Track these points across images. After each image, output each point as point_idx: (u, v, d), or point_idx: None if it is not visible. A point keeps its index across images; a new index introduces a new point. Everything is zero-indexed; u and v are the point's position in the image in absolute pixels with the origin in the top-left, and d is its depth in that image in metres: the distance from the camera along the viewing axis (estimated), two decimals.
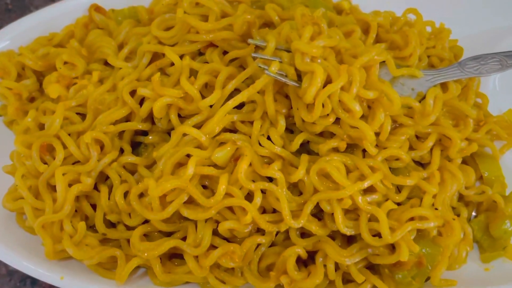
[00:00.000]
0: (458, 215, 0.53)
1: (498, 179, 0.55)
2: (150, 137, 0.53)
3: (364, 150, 0.50)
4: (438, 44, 0.59)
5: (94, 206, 0.51)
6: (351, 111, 0.46)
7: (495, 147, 0.55)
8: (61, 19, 0.63)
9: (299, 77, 0.47)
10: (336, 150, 0.49)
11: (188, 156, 0.47)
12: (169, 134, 0.52)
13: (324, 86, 0.46)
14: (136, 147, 0.54)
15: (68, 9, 0.63)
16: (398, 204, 0.50)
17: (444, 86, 0.55)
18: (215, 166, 0.48)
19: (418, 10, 0.61)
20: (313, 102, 0.46)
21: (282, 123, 0.49)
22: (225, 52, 0.54)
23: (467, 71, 0.55)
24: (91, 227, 0.50)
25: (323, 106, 0.46)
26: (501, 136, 0.56)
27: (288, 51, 0.48)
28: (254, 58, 0.50)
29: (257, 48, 0.51)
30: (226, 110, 0.48)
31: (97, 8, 0.62)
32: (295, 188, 0.49)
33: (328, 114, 0.46)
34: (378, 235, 0.47)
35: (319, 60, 0.46)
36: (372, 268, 0.49)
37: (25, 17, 0.62)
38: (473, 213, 0.54)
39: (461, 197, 0.54)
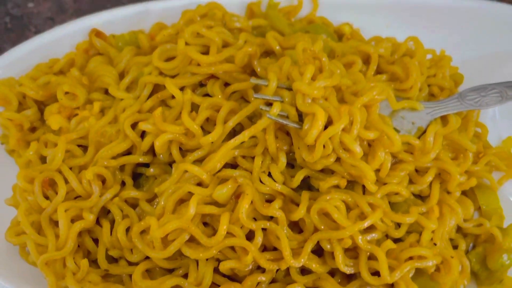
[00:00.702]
0: (457, 246, 0.54)
1: (496, 211, 0.55)
2: (152, 170, 0.53)
3: (364, 185, 0.50)
4: (438, 73, 0.59)
5: (96, 240, 0.51)
6: (351, 151, 0.46)
7: (493, 180, 0.56)
8: (61, 44, 0.63)
9: (300, 116, 0.48)
10: (336, 186, 0.50)
11: (190, 192, 0.48)
12: (170, 165, 0.53)
13: (325, 127, 0.46)
14: (137, 177, 0.54)
15: (68, 33, 0.63)
16: (398, 239, 0.51)
17: (444, 118, 0.55)
18: (216, 203, 0.48)
19: (418, 37, 0.61)
20: (314, 143, 0.46)
21: (283, 160, 0.49)
22: (226, 84, 0.55)
23: (467, 103, 0.55)
24: (93, 262, 0.51)
25: (324, 147, 0.46)
26: (500, 167, 0.56)
27: (289, 89, 0.49)
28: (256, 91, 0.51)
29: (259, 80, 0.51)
30: (228, 149, 0.48)
31: (97, 33, 0.62)
32: (295, 226, 0.49)
33: (329, 154, 0.47)
34: (377, 273, 0.47)
35: (320, 101, 0.47)
36: None
37: (25, 42, 0.62)
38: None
39: (459, 228, 0.55)
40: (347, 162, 0.47)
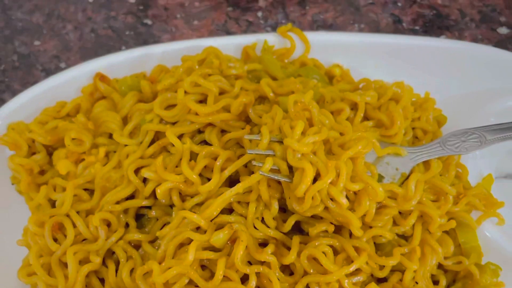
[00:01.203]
0: (438, 282, 0.58)
1: (475, 249, 0.59)
2: (153, 212, 0.57)
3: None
4: (422, 116, 0.63)
5: (102, 280, 0.55)
6: (338, 202, 0.50)
7: (472, 219, 0.59)
8: (67, 87, 0.66)
9: (291, 168, 0.51)
10: (325, 230, 0.53)
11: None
12: (171, 206, 0.57)
13: (314, 179, 0.50)
14: (140, 217, 0.58)
15: (73, 76, 0.66)
16: (383, 279, 0.54)
17: (426, 162, 0.59)
18: (213, 247, 0.52)
19: (404, 79, 0.65)
20: (304, 196, 0.50)
21: (275, 207, 0.53)
22: (223, 130, 0.58)
23: (448, 148, 0.59)
24: None
25: (312, 198, 0.50)
26: (479, 208, 0.60)
27: (281, 142, 0.52)
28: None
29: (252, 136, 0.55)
30: (224, 199, 0.52)
31: (101, 78, 0.65)
32: (287, 268, 0.53)
33: (317, 204, 0.51)
34: None
35: (310, 155, 0.50)
36: None
37: (33, 86, 0.65)
38: None
39: (440, 265, 0.58)
40: (334, 211, 0.51)
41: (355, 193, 0.52)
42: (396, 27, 0.82)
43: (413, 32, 0.81)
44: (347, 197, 0.51)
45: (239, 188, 0.52)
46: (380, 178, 0.56)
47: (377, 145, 0.55)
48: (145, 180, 0.57)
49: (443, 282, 0.57)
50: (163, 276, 0.49)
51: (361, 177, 0.51)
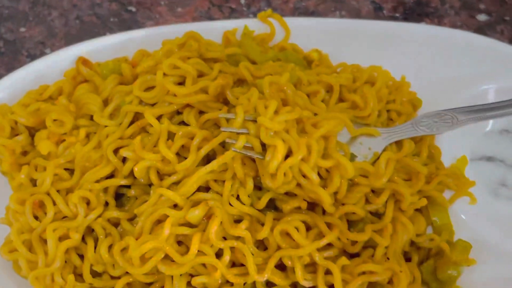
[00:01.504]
0: (410, 259, 0.59)
1: (447, 227, 0.60)
2: (133, 191, 0.58)
3: None
4: (397, 98, 0.64)
5: (81, 257, 0.56)
6: (309, 179, 0.52)
7: (444, 199, 0.61)
8: (50, 71, 0.67)
9: (264, 146, 0.53)
10: (299, 207, 0.55)
11: (165, 214, 0.53)
12: (150, 186, 0.58)
13: (286, 157, 0.51)
14: (119, 197, 0.59)
15: (56, 61, 0.67)
16: (355, 254, 0.56)
17: (399, 142, 0.60)
18: (189, 224, 0.53)
19: (381, 65, 0.66)
20: (276, 172, 0.51)
21: (250, 184, 0.54)
22: (201, 111, 0.60)
23: (420, 129, 0.60)
24: (79, 276, 0.55)
25: (284, 174, 0.51)
26: (451, 187, 0.61)
27: (255, 121, 0.54)
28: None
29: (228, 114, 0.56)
30: (200, 175, 0.53)
31: (84, 62, 0.67)
32: (261, 243, 0.54)
33: (290, 181, 0.52)
34: (333, 286, 0.52)
35: (283, 133, 0.52)
36: None
37: (17, 70, 0.67)
38: None
39: (413, 242, 0.60)
40: (306, 187, 0.52)
41: (327, 170, 0.54)
42: (377, 15, 0.83)
43: (394, 19, 0.82)
44: (319, 174, 0.53)
45: (213, 165, 0.53)
46: (353, 157, 0.57)
47: (350, 125, 0.56)
48: (124, 160, 0.58)
49: (415, 258, 0.59)
50: (139, 250, 0.50)
51: (332, 155, 0.52)
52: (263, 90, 0.56)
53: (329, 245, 0.54)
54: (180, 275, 0.52)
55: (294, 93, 0.56)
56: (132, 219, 0.57)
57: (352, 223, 0.56)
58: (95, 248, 0.55)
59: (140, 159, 0.54)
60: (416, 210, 0.60)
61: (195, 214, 0.53)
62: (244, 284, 0.54)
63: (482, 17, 0.83)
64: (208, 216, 0.53)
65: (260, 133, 0.52)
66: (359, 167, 0.54)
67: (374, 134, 0.58)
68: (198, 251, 0.51)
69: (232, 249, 0.53)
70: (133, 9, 0.82)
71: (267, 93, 0.55)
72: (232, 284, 0.53)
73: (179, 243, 0.54)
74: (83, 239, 0.56)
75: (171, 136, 0.57)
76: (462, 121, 0.61)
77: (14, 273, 0.57)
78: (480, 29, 0.82)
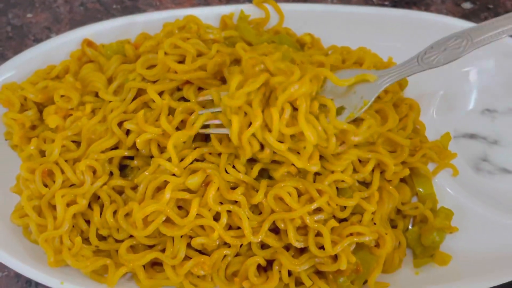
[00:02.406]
0: (396, 226, 0.63)
1: (431, 196, 0.64)
2: (135, 162, 0.61)
3: (315, 174, 0.59)
4: None
5: (88, 222, 0.59)
6: (274, 147, 0.54)
7: (428, 170, 0.64)
8: (57, 52, 0.70)
9: None
10: (290, 173, 0.58)
11: (166, 181, 0.56)
12: (151, 158, 0.61)
13: None
14: (123, 169, 0.63)
15: (63, 42, 0.71)
16: (344, 219, 0.59)
17: (384, 117, 0.63)
18: (188, 190, 0.57)
19: (369, 47, 0.70)
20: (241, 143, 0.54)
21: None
22: (200, 88, 0.63)
23: (424, 63, 0.58)
24: (86, 240, 0.59)
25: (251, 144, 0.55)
26: (434, 159, 0.65)
27: None
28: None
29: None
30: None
31: (89, 43, 0.70)
32: (256, 208, 0.58)
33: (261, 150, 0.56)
34: (323, 247, 0.56)
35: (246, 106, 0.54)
36: (319, 273, 0.58)
37: (25, 51, 0.70)
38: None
39: (399, 211, 0.63)
40: (279, 154, 0.55)
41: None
42: (366, 2, 0.86)
43: (383, 6, 0.86)
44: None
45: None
46: (340, 110, 0.58)
47: (332, 76, 0.56)
48: (128, 133, 0.61)
49: (401, 226, 0.62)
50: (142, 212, 0.54)
51: (297, 122, 0.54)
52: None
53: (319, 210, 0.57)
54: (181, 236, 0.56)
55: (273, 64, 0.57)
56: (135, 188, 0.60)
57: (341, 191, 0.60)
58: (100, 214, 0.58)
59: (142, 132, 0.58)
60: (402, 181, 0.64)
61: (194, 181, 0.56)
62: (241, 246, 0.57)
63: (467, 5, 0.86)
64: (206, 183, 0.57)
65: (226, 111, 0.55)
66: (338, 127, 0.56)
67: (370, 79, 0.58)
68: (197, 214, 0.55)
69: (228, 213, 0.56)
70: None
71: (246, 67, 0.57)
72: (229, 246, 0.57)
73: (179, 208, 0.57)
74: (89, 206, 0.59)
75: (171, 111, 0.60)
76: (477, 42, 0.58)
77: (24, 239, 0.60)
78: (465, 16, 0.85)
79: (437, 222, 0.61)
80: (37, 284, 0.63)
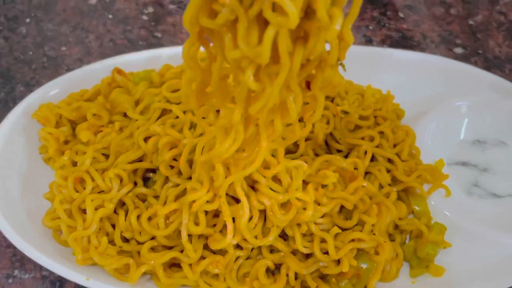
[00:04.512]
0: (394, 240, 0.67)
1: (425, 213, 0.69)
2: (157, 176, 0.67)
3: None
4: (383, 107, 0.75)
5: (113, 226, 0.65)
6: None
7: (423, 189, 0.69)
8: (89, 78, 0.77)
9: None
10: None
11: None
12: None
13: None
14: (146, 181, 0.68)
15: (95, 70, 0.78)
16: (346, 229, 0.64)
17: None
18: None
19: (371, 85, 0.78)
20: None
21: None
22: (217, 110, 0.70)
23: None
24: (110, 242, 0.64)
25: None
26: (428, 180, 0.70)
27: None
28: None
29: None
30: None
31: (118, 71, 0.77)
32: None
33: None
34: (327, 252, 0.61)
35: None
36: (323, 278, 0.62)
37: (60, 77, 0.77)
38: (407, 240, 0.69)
39: (397, 226, 0.68)
40: None
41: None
42: (367, 45, 0.94)
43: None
44: None
45: None
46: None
47: None
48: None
49: (398, 239, 0.67)
50: (166, 208, 0.59)
51: None
52: None
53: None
54: (198, 237, 0.61)
55: None
56: (156, 197, 0.65)
57: (343, 210, 0.65)
58: (125, 218, 0.64)
59: (165, 135, 0.64)
60: (399, 199, 0.69)
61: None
62: (252, 250, 0.62)
63: (458, 50, 0.94)
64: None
65: None
66: None
67: None
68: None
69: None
70: (159, 35, 0.94)
71: None
72: (241, 248, 0.62)
73: None
74: (114, 211, 0.65)
75: (193, 126, 0.67)
76: None
77: (53, 241, 0.65)
78: (457, 60, 0.93)
79: (431, 236, 0.66)
80: (60, 285, 0.67)
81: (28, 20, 0.93)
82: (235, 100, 0.50)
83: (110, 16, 0.94)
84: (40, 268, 0.67)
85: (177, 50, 0.81)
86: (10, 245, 0.68)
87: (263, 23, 0.43)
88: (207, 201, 0.60)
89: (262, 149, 0.54)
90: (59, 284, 0.67)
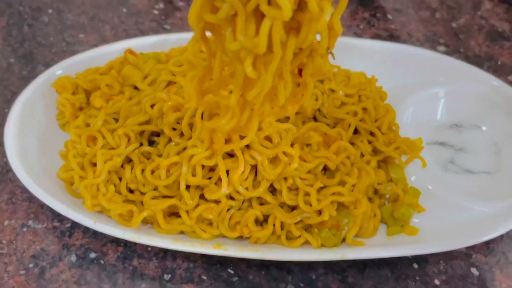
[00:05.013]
0: (373, 202, 0.74)
1: (402, 180, 0.75)
2: (161, 139, 0.74)
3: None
4: (367, 88, 0.82)
5: (120, 179, 0.71)
6: None
7: (401, 159, 0.76)
8: (103, 58, 0.85)
9: None
10: None
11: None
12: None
13: None
14: (151, 144, 0.75)
15: (109, 50, 0.86)
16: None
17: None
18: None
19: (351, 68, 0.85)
20: None
21: None
22: None
23: None
24: (117, 192, 0.70)
25: None
26: (406, 151, 0.77)
27: None
28: None
29: None
30: None
31: (130, 51, 0.85)
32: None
33: None
34: (311, 205, 0.67)
35: None
36: (306, 230, 0.68)
37: (77, 55, 0.85)
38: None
39: (376, 192, 0.75)
40: None
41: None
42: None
43: None
44: None
45: None
46: None
47: None
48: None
49: (376, 202, 0.73)
50: (167, 160, 0.66)
51: None
52: None
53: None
54: (195, 187, 0.67)
55: None
56: (160, 156, 0.72)
57: (327, 171, 0.72)
58: (130, 171, 0.70)
59: (169, 100, 0.71)
60: (379, 168, 0.76)
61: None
62: (243, 202, 0.69)
63: (441, 48, 1.02)
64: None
65: None
66: None
67: None
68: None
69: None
70: (168, 27, 1.02)
71: None
72: (233, 199, 0.68)
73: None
74: (122, 167, 0.72)
75: None
76: None
77: (66, 193, 0.72)
78: None
79: (406, 199, 0.72)
80: (70, 235, 0.73)
81: (50, 11, 1.02)
82: (231, 88, 0.56)
83: (124, 10, 1.03)
84: (52, 219, 0.73)
85: (183, 36, 0.89)
86: (25, 199, 0.75)
87: (260, 17, 0.49)
88: (205, 157, 0.66)
89: (254, 126, 0.61)
90: (68, 234, 0.73)
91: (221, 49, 0.53)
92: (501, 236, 0.73)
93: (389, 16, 1.06)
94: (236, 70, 0.54)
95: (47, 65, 0.90)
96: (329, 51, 0.56)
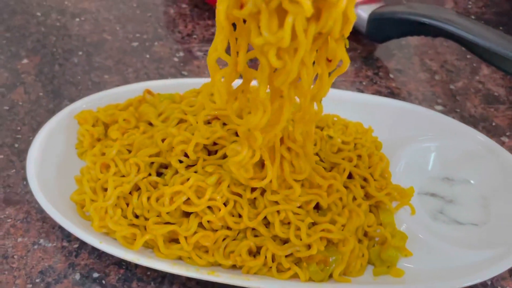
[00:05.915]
0: (362, 243, 0.76)
1: (391, 224, 0.78)
2: (168, 171, 0.79)
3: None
4: (363, 137, 0.87)
5: (127, 205, 0.76)
6: None
7: (391, 205, 0.79)
8: (123, 96, 0.92)
9: None
10: None
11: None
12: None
13: None
14: (159, 176, 0.80)
15: (129, 90, 0.93)
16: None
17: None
18: None
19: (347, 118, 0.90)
20: None
21: None
22: (224, 124, 0.83)
23: None
24: (124, 216, 0.74)
25: None
26: (396, 198, 0.80)
27: None
28: None
29: None
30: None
31: (149, 92, 0.92)
32: (253, 203, 0.73)
33: None
34: (301, 238, 0.70)
35: None
36: (297, 264, 0.71)
37: (100, 92, 0.92)
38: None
39: (366, 234, 0.78)
40: None
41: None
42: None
43: None
44: None
45: None
46: None
47: None
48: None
49: (365, 243, 0.76)
50: (171, 189, 0.70)
51: None
52: None
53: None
54: (195, 217, 0.71)
55: None
56: (166, 186, 0.77)
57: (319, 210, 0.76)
58: (138, 198, 0.75)
59: (179, 135, 0.76)
60: (370, 212, 0.79)
61: (212, 180, 0.73)
62: (238, 233, 0.72)
63: (438, 108, 1.07)
64: (219, 182, 0.74)
65: None
66: None
67: None
68: (209, 198, 0.71)
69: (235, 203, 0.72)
70: (186, 73, 1.09)
71: None
72: (230, 229, 0.72)
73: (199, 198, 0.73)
74: (130, 194, 0.76)
75: None
76: None
77: (77, 215, 0.77)
78: None
79: (394, 242, 0.75)
80: (76, 255, 0.77)
81: (80, 53, 1.10)
82: (258, 81, 0.58)
83: (148, 56, 1.11)
84: (62, 239, 0.78)
85: (198, 80, 0.96)
86: (39, 219, 0.80)
87: (282, 12, 0.51)
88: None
89: (285, 113, 0.62)
90: (75, 254, 0.77)
91: (246, 43, 0.55)
92: (485, 286, 0.75)
93: (391, 75, 1.12)
94: (261, 62, 0.56)
95: (73, 101, 0.97)
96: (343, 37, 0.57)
